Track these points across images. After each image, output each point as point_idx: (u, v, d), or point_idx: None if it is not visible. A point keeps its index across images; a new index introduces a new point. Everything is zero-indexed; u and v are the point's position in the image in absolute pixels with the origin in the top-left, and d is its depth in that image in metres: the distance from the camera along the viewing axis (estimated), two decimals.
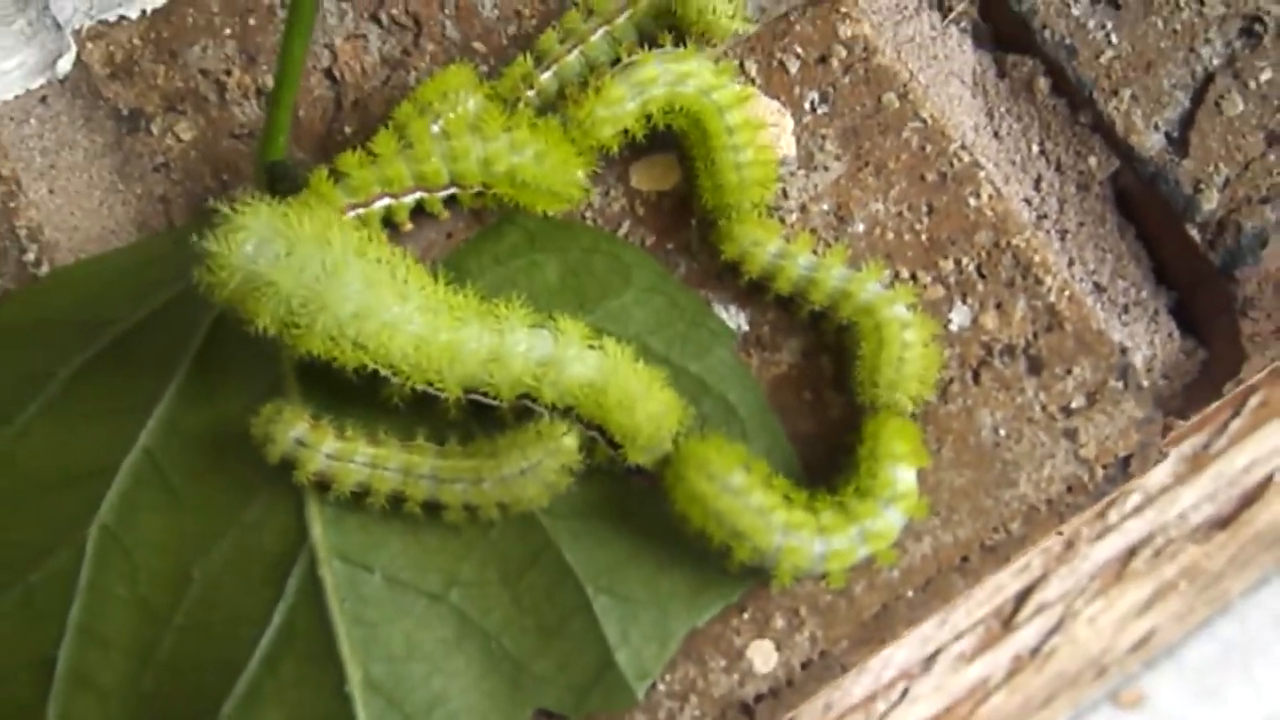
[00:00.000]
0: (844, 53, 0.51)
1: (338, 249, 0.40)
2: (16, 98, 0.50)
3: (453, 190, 0.45)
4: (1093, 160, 0.51)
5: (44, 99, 0.50)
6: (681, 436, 0.43)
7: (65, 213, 0.49)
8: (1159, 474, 0.42)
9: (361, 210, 0.44)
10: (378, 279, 0.40)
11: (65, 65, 0.50)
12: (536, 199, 0.45)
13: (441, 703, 0.42)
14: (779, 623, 0.44)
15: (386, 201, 0.44)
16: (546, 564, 0.44)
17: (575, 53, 0.48)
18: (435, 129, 0.45)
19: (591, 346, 0.43)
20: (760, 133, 0.47)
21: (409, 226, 0.45)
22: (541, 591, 0.43)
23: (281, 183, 0.43)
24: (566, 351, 0.43)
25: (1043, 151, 0.52)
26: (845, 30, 0.52)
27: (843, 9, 0.52)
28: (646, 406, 0.42)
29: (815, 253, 0.47)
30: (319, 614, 0.42)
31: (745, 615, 0.44)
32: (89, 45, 0.51)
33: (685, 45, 0.47)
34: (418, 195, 0.45)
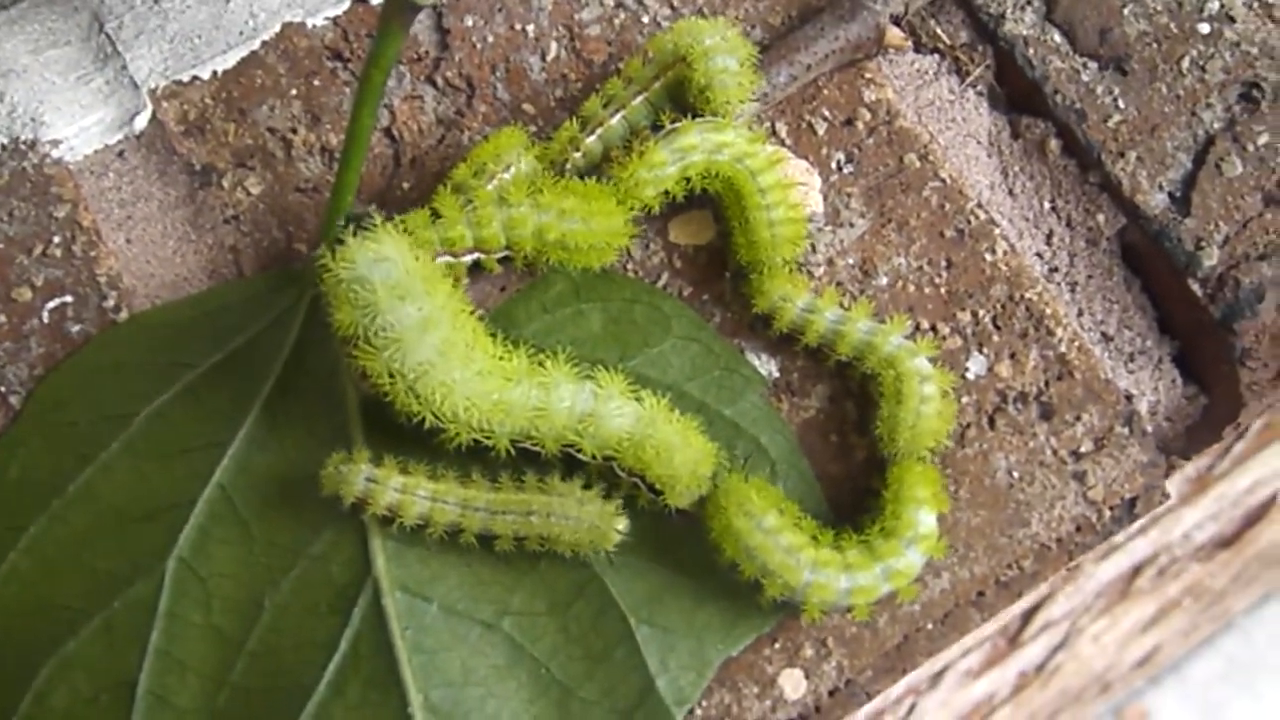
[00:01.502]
0: (868, 116, 0.55)
1: (436, 302, 0.43)
2: (96, 152, 0.54)
3: (507, 253, 0.48)
4: (1101, 217, 0.55)
5: (121, 153, 0.54)
6: (722, 473, 0.47)
7: (141, 261, 0.52)
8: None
9: None
10: (452, 344, 0.44)
11: (141, 122, 0.54)
12: (582, 257, 0.49)
13: None
14: (808, 652, 0.47)
15: (447, 259, 0.48)
16: (592, 595, 0.47)
17: (618, 117, 0.51)
18: (492, 189, 0.48)
19: (632, 396, 0.47)
20: (791, 193, 0.50)
21: (465, 281, 0.49)
22: (588, 621, 0.47)
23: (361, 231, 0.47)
24: (607, 406, 0.46)
25: (1054, 209, 0.55)
26: (870, 95, 0.55)
27: (867, 75, 0.55)
28: (683, 455, 0.46)
29: (842, 306, 0.50)
30: (382, 641, 0.46)
31: (777, 645, 0.48)
32: (164, 104, 0.54)
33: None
34: (476, 256, 0.48)
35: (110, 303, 0.51)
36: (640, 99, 0.52)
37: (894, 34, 0.55)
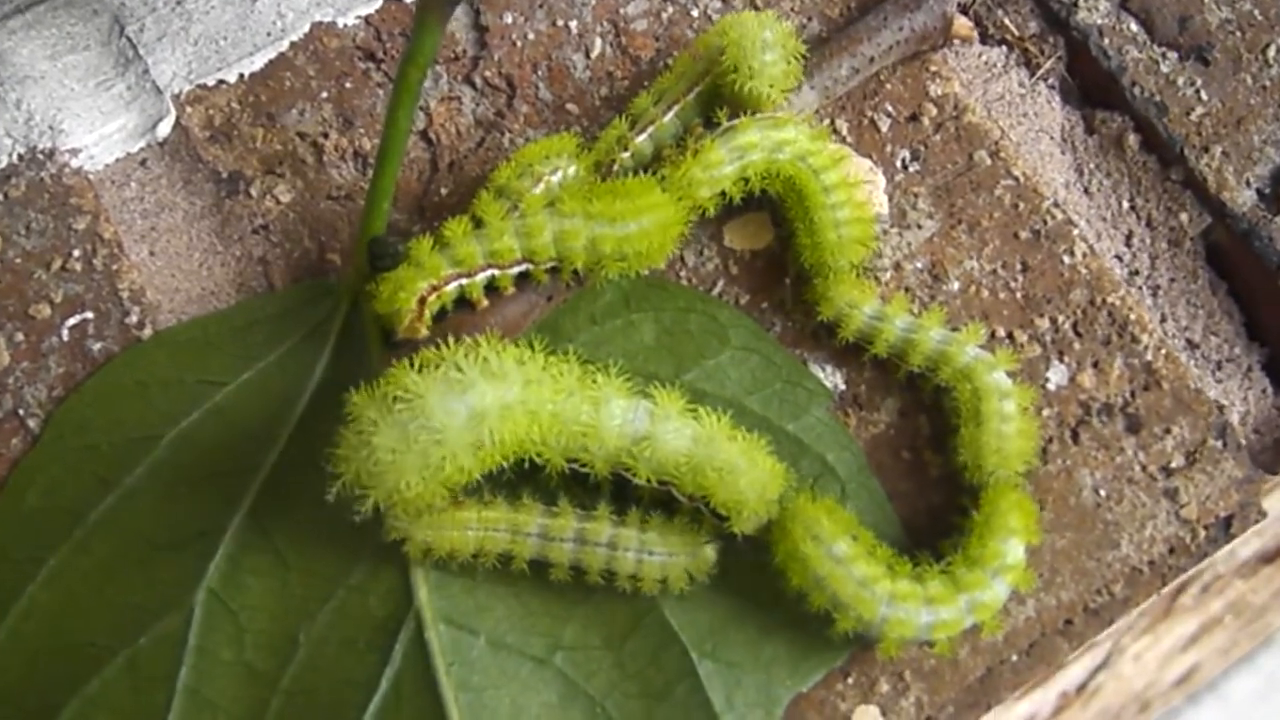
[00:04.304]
0: (934, 111, 0.52)
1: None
2: (117, 160, 0.51)
3: (556, 263, 0.45)
4: (1184, 216, 0.51)
5: (144, 162, 0.51)
6: (789, 495, 0.43)
7: (166, 275, 0.49)
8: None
9: (464, 280, 0.44)
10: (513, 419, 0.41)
11: (165, 129, 0.51)
12: (638, 261, 0.46)
13: None
14: (884, 687, 0.44)
15: (491, 273, 0.44)
16: (650, 628, 0.44)
17: (670, 115, 0.48)
18: (539, 192, 0.45)
19: (690, 414, 0.43)
20: (856, 192, 0.47)
21: (511, 290, 0.46)
22: (646, 656, 0.43)
23: (382, 259, 0.44)
24: (663, 426, 0.43)
25: (1133, 208, 0.52)
26: (935, 89, 0.52)
27: (932, 68, 0.52)
28: (749, 477, 0.42)
29: (912, 314, 0.47)
30: (426, 678, 0.43)
31: (849, 680, 0.44)
32: (188, 109, 0.51)
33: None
34: (523, 267, 0.45)
35: (133, 319, 0.48)
36: (693, 94, 0.48)
37: (961, 23, 0.51)
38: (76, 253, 0.49)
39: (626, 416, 0.42)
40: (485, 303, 0.45)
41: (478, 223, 0.45)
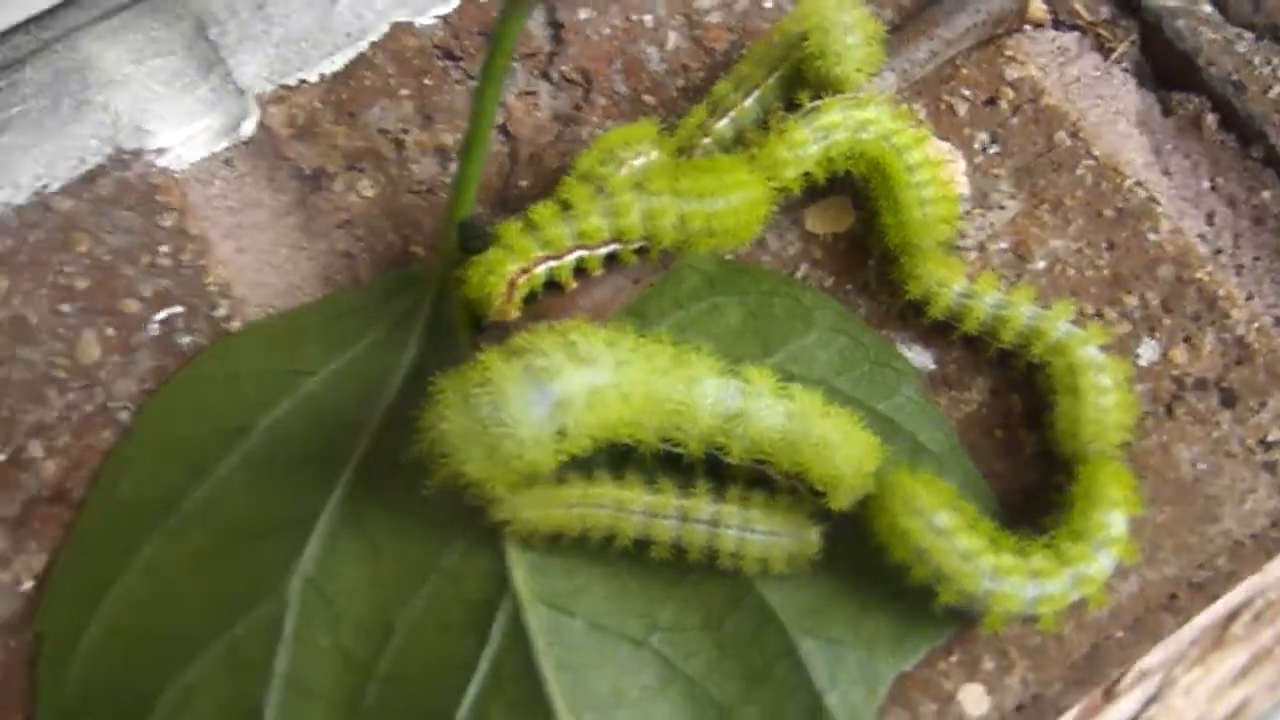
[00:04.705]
0: (1011, 94, 0.52)
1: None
2: (202, 160, 0.51)
3: (644, 244, 0.45)
4: (1266, 194, 0.51)
5: (228, 161, 0.52)
6: (887, 467, 0.43)
7: (252, 270, 0.50)
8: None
9: (553, 263, 0.44)
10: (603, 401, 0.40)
11: (248, 128, 0.52)
12: (728, 239, 0.45)
13: None
14: (988, 665, 0.43)
15: (580, 254, 0.45)
16: (748, 608, 0.43)
17: (750, 100, 0.48)
18: (625, 174, 0.45)
19: (781, 391, 0.43)
20: (940, 171, 0.47)
21: (599, 273, 0.46)
22: (745, 636, 0.43)
23: (473, 240, 0.44)
24: (756, 403, 0.42)
25: (1214, 187, 0.51)
26: (1011, 73, 0.52)
27: (1007, 52, 0.52)
28: (844, 451, 0.42)
29: (1001, 290, 0.46)
30: (525, 660, 0.42)
31: (953, 658, 0.43)
32: (270, 109, 0.52)
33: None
34: (612, 248, 0.45)
35: (222, 312, 0.49)
36: (772, 79, 0.49)
37: (1036, 6, 0.51)
38: (164, 249, 0.50)
39: (719, 394, 0.42)
40: (574, 285, 0.45)
41: (564, 206, 0.45)
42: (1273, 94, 0.51)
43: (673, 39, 0.53)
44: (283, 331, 0.48)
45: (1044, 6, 0.52)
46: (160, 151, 0.51)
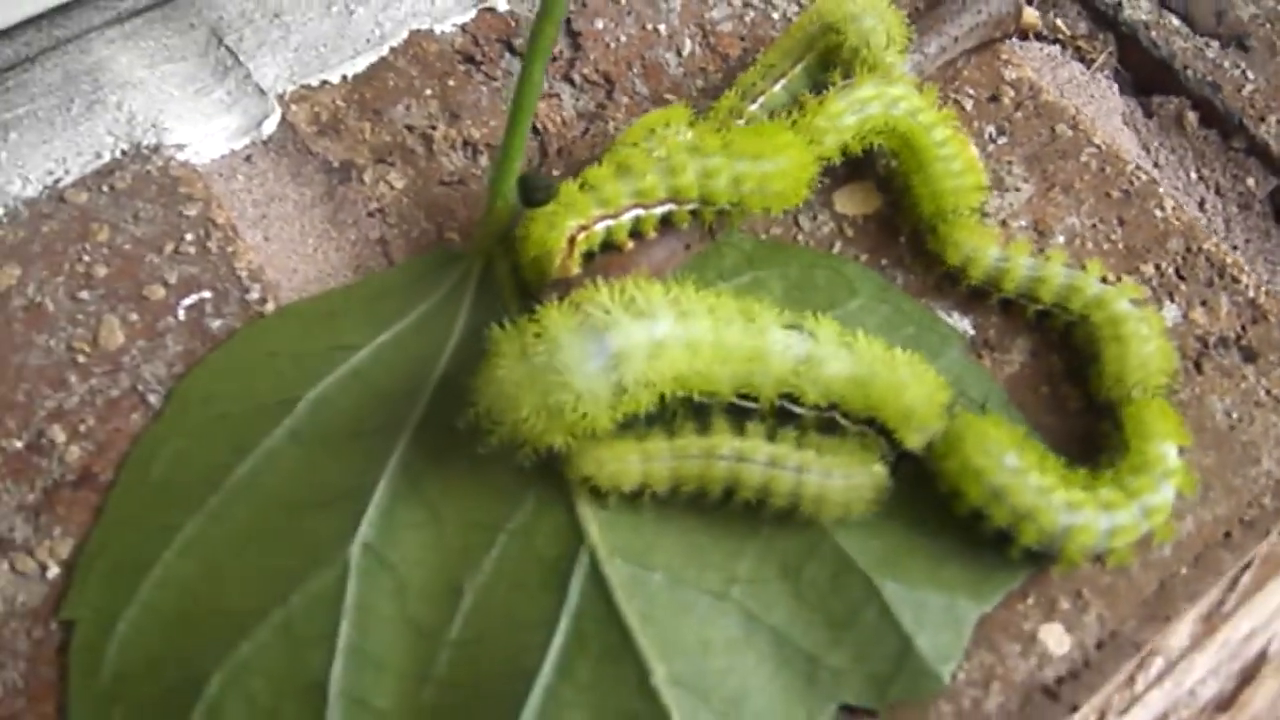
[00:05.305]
0: (1012, 92, 0.54)
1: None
2: (223, 156, 0.51)
3: (698, 205, 0.46)
4: (1250, 181, 0.54)
5: (249, 158, 0.51)
6: (954, 413, 0.43)
7: (282, 258, 0.48)
8: (1180, 636, 0.43)
9: (611, 221, 0.44)
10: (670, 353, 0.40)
11: (270, 126, 0.51)
12: (778, 201, 0.46)
13: (745, 699, 0.40)
14: (1064, 605, 0.43)
15: (637, 213, 0.45)
16: (825, 556, 0.42)
17: (779, 86, 0.50)
18: (683, 140, 0.46)
19: (847, 337, 0.43)
20: (966, 145, 0.49)
21: (653, 235, 0.46)
22: (824, 584, 0.42)
23: (537, 192, 0.44)
24: (824, 348, 0.43)
25: (1201, 177, 0.55)
26: (1009, 73, 0.55)
27: (1004, 56, 0.55)
28: (916, 388, 0.42)
29: (1034, 255, 0.48)
30: (608, 613, 0.40)
31: (1029, 600, 0.43)
32: (293, 107, 0.52)
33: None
34: (668, 208, 0.45)
35: (254, 295, 0.47)
36: (799, 68, 0.51)
37: (1029, 13, 0.55)
38: (189, 237, 0.48)
39: (789, 340, 0.42)
40: (631, 245, 0.45)
41: (620, 169, 0.45)
42: (1245, 92, 0.55)
43: (688, 46, 0.55)
44: (321, 311, 0.47)
45: (1036, 14, 0.56)
46: (180, 147, 0.50)
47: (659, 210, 0.45)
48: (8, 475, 0.43)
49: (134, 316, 0.46)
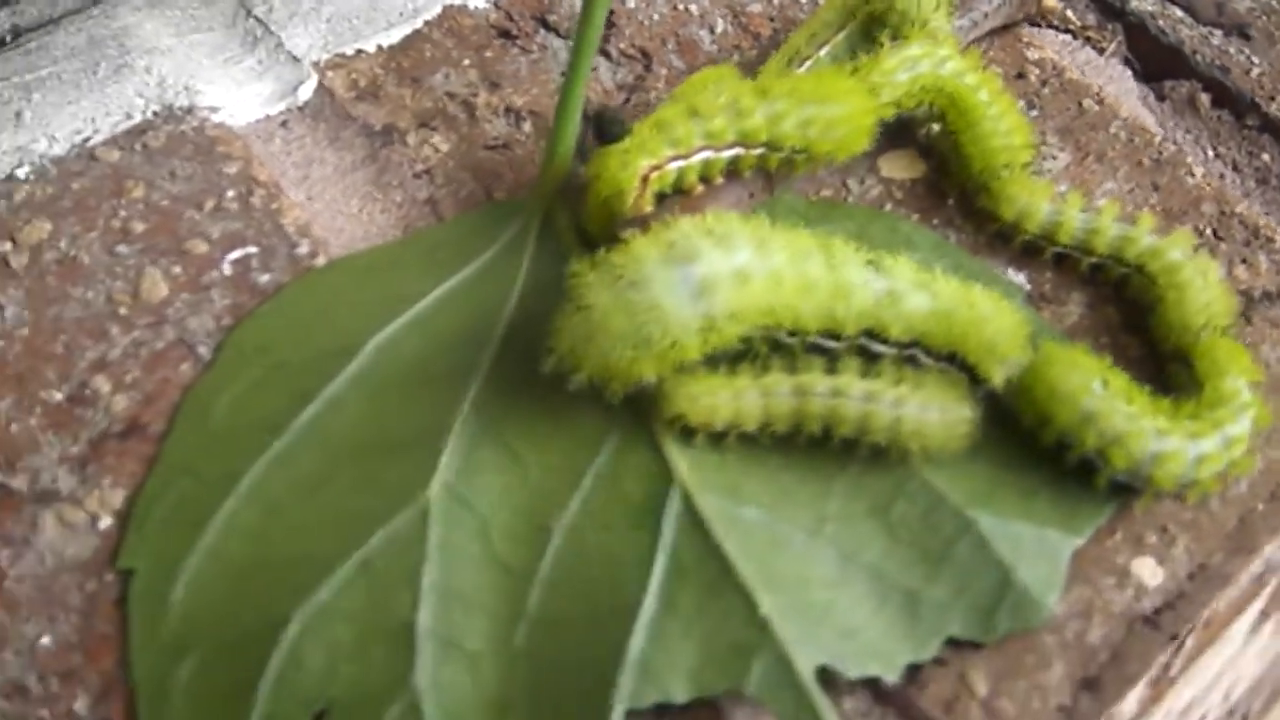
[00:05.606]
0: (1037, 71, 0.56)
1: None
2: (257, 120, 0.49)
3: (764, 149, 0.45)
4: (1266, 156, 0.56)
5: (285, 123, 0.49)
6: (1036, 345, 0.43)
7: (327, 217, 0.47)
8: (1130, 702, 0.44)
9: (682, 162, 0.44)
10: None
11: (306, 92, 0.50)
12: (843, 147, 0.46)
13: (854, 634, 0.38)
14: (1151, 539, 0.42)
15: (707, 155, 0.44)
16: (914, 494, 0.41)
17: (824, 51, 0.51)
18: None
19: (925, 272, 0.43)
20: (1013, 104, 0.50)
21: (720, 182, 0.45)
22: (916, 521, 0.41)
23: (612, 126, 0.43)
24: (903, 283, 0.42)
25: (1217, 155, 0.56)
26: (1032, 54, 0.56)
27: (1024, 38, 0.57)
28: (998, 321, 0.42)
29: (1087, 208, 0.49)
30: (706, 548, 0.39)
31: (1118, 535, 0.42)
32: (329, 74, 0.50)
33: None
34: (735, 152, 0.45)
35: (304, 250, 0.45)
36: (842, 35, 0.51)
37: None
38: (230, 194, 0.46)
39: (869, 274, 0.42)
40: (700, 189, 0.45)
41: (690, 111, 0.45)
42: (1254, 74, 0.57)
43: (720, 25, 0.55)
44: (378, 263, 0.45)
45: None
46: (213, 109, 0.49)
47: (727, 154, 0.45)
48: (49, 427, 0.40)
49: (177, 270, 0.44)
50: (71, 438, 0.40)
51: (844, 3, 0.52)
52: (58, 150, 0.46)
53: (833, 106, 0.45)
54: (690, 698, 0.36)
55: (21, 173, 0.45)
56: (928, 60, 0.49)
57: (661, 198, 0.44)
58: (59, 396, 0.41)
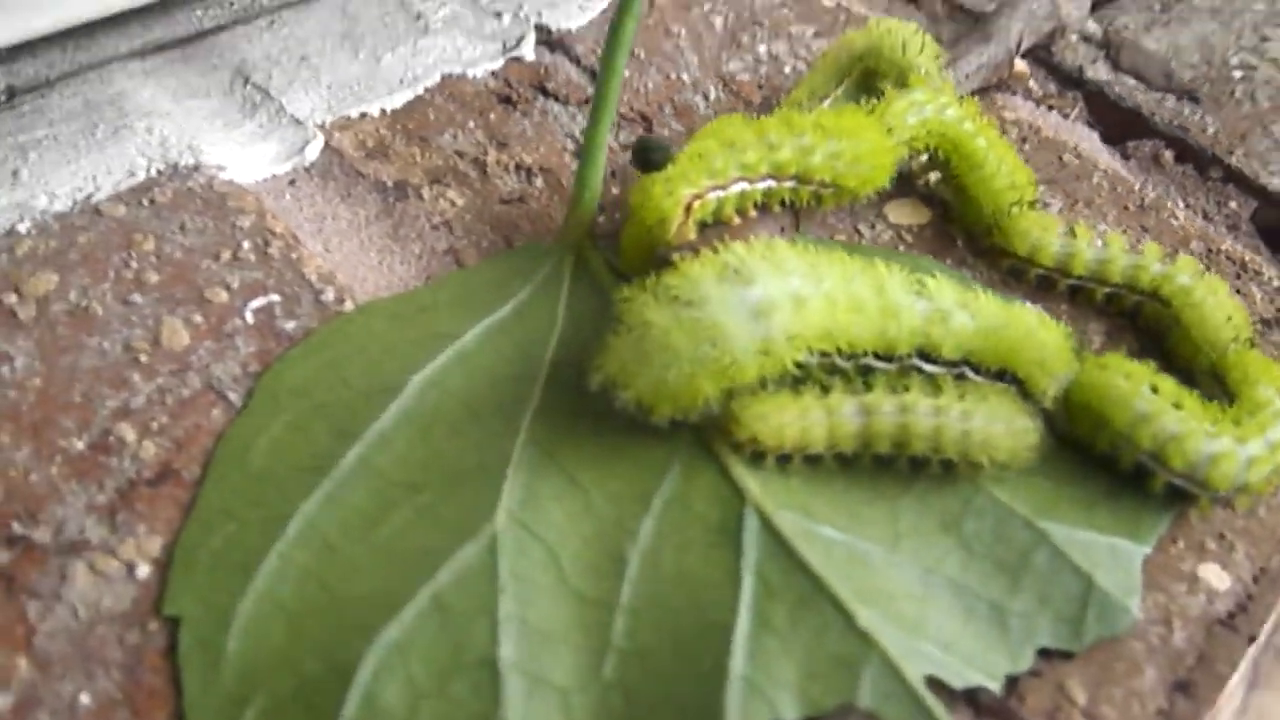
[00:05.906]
0: (1015, 130, 0.58)
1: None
2: (265, 179, 0.47)
3: (793, 184, 0.46)
4: (1234, 204, 0.58)
5: (293, 182, 0.48)
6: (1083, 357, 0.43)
7: (348, 267, 0.45)
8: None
9: (721, 193, 0.44)
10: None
11: (313, 152, 0.49)
12: (866, 182, 0.47)
13: (950, 646, 0.37)
14: (1212, 546, 0.42)
15: (743, 186, 0.44)
16: (982, 509, 0.41)
17: (827, 103, 0.52)
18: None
19: (968, 291, 0.43)
20: (1010, 148, 0.51)
21: (753, 214, 0.45)
22: (988, 534, 0.40)
23: (655, 153, 0.43)
24: (949, 302, 0.42)
25: (1189, 205, 0.59)
26: (1008, 115, 0.58)
27: (999, 103, 0.59)
28: (1043, 335, 0.42)
29: (1096, 239, 0.50)
30: (791, 564, 0.37)
31: (1180, 544, 0.42)
32: (336, 134, 0.49)
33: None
34: (768, 184, 0.45)
35: (329, 296, 0.43)
36: (840, 89, 0.52)
37: (1019, 63, 0.59)
38: (246, 245, 0.44)
39: (912, 296, 0.42)
40: (738, 220, 0.44)
41: (725, 144, 0.45)
42: (1209, 132, 0.61)
43: (713, 91, 0.56)
44: (407, 307, 0.43)
45: (1024, 65, 0.60)
46: (220, 167, 0.47)
47: (760, 185, 0.45)
48: (72, 476, 0.37)
49: (197, 318, 0.42)
50: (97, 486, 0.37)
51: (836, 61, 0.53)
52: (59, 206, 0.44)
53: (856, 141, 0.46)
54: (799, 714, 0.34)
55: (22, 228, 0.43)
56: (931, 105, 0.50)
57: (702, 227, 0.44)
58: (80, 445, 0.38)
